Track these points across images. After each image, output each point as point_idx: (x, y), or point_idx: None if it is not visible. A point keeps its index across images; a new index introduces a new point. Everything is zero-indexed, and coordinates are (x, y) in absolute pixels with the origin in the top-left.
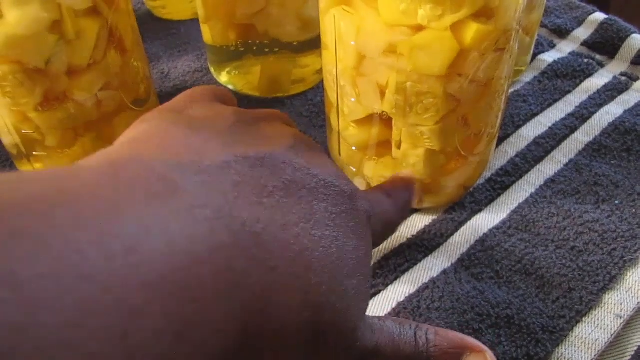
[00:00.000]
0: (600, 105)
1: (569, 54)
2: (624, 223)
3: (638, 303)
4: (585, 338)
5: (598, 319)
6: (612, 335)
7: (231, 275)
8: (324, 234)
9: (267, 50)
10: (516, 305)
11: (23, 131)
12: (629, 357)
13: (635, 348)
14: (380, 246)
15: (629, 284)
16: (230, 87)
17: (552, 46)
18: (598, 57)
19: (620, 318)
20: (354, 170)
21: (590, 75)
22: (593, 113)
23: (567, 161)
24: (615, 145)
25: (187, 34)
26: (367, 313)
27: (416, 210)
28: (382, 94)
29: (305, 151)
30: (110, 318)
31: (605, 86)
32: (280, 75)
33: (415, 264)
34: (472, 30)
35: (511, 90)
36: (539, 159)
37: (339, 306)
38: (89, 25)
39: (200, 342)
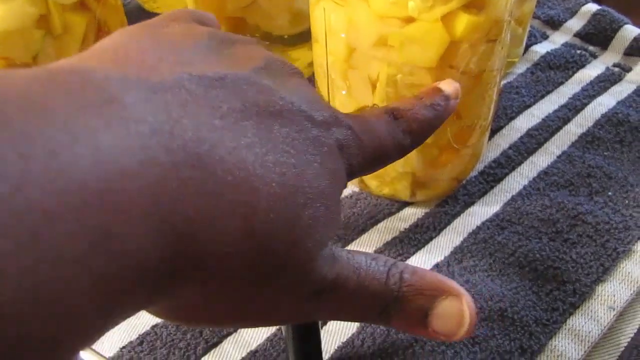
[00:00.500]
0: (593, 97)
1: (562, 45)
2: (617, 214)
3: (631, 294)
4: (579, 330)
5: (591, 311)
6: (605, 327)
7: (161, 194)
8: (280, 159)
9: None
10: (509, 298)
11: None
12: (622, 349)
13: (629, 339)
14: (373, 240)
15: (622, 276)
16: None
17: (544, 37)
18: (591, 48)
19: (614, 310)
20: None
21: (583, 66)
22: (586, 104)
23: (560, 153)
24: (608, 136)
25: None
26: None
27: (409, 204)
28: (373, 86)
29: (279, 74)
30: (19, 217)
31: (598, 77)
32: None
33: (408, 257)
34: (462, 22)
35: (504, 81)
36: (531, 151)
37: (290, 235)
38: (77, 20)
39: (120, 254)
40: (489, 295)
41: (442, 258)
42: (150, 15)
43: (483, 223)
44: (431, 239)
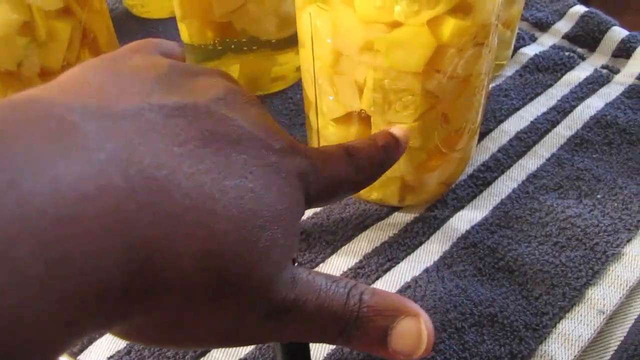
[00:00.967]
0: (582, 99)
1: (550, 47)
2: (606, 217)
3: (620, 298)
4: (569, 334)
5: (581, 315)
6: (595, 331)
7: (120, 217)
8: (238, 184)
9: (245, 48)
10: (499, 302)
11: None
12: (612, 352)
13: (618, 343)
14: (362, 246)
15: (611, 279)
16: None
17: (533, 40)
18: (579, 50)
19: (603, 313)
20: None
21: (571, 68)
22: (574, 107)
23: (549, 155)
24: (597, 138)
25: (165, 33)
26: None
27: (398, 208)
28: (360, 91)
29: (238, 104)
30: None
31: (586, 79)
32: (259, 73)
33: (397, 262)
34: (449, 26)
35: (493, 84)
36: (521, 154)
37: (247, 257)
38: (61, 27)
39: (79, 275)
40: (479, 300)
41: (432, 263)
42: (138, 19)
43: (472, 227)
44: (421, 243)
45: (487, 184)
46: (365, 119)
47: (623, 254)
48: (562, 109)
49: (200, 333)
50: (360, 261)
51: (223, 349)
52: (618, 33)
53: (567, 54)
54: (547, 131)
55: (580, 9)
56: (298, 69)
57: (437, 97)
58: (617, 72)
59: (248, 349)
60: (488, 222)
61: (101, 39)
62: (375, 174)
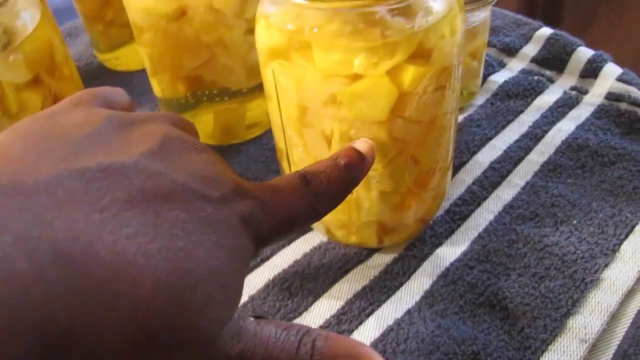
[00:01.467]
0: (553, 123)
1: (519, 72)
2: (582, 243)
3: (602, 325)
4: None
5: (563, 346)
6: None
7: (26, 301)
8: (166, 245)
9: (217, 99)
10: (481, 340)
11: None
12: None
13: None
14: (343, 291)
15: (591, 306)
16: None
17: (502, 65)
18: (547, 72)
19: (585, 342)
20: None
21: (541, 92)
22: (546, 132)
23: (524, 184)
24: (570, 163)
25: (140, 85)
26: None
27: (377, 250)
28: (328, 142)
29: (176, 153)
30: None
31: (556, 102)
32: (233, 122)
33: (379, 306)
34: (409, 74)
35: (464, 115)
36: (495, 184)
37: (181, 318)
38: (32, 97)
39: None
40: (461, 339)
41: (413, 304)
42: (113, 73)
43: (452, 264)
44: (401, 284)
45: (464, 217)
46: None
47: (602, 280)
48: (534, 135)
49: None
50: (343, 307)
51: None
52: (584, 53)
53: (536, 77)
54: (521, 159)
55: (546, 31)
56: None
57: (405, 141)
58: (585, 92)
59: None
60: (467, 257)
61: None
62: (339, 196)
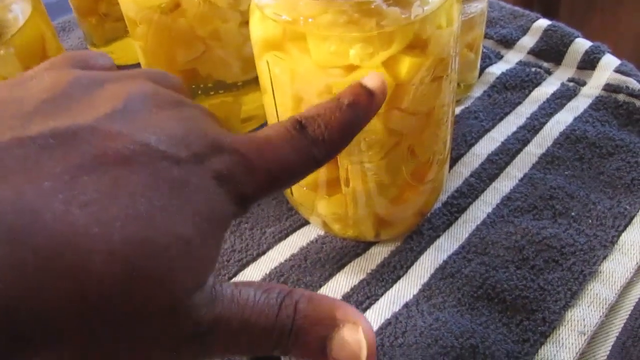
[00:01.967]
0: (551, 115)
1: (517, 63)
2: (581, 235)
3: (600, 317)
4: (551, 359)
5: (562, 338)
6: (577, 354)
7: None
8: (124, 212)
9: (212, 92)
10: (480, 333)
11: None
12: None
13: None
14: (340, 284)
15: (590, 299)
16: None
17: (499, 57)
18: (545, 64)
19: (584, 335)
20: (308, 209)
21: (538, 84)
22: (544, 123)
23: (522, 176)
24: (568, 154)
25: None
26: None
27: (374, 243)
28: None
29: (145, 111)
30: None
31: (554, 94)
32: (229, 116)
33: (377, 299)
34: (405, 65)
35: (462, 107)
36: (493, 177)
37: (138, 289)
38: None
39: None
40: (460, 332)
41: (411, 297)
42: None
43: (449, 257)
44: (399, 277)
45: (462, 210)
46: (332, 160)
47: (600, 272)
48: (532, 127)
49: None
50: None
51: None
52: (582, 45)
53: (533, 69)
54: (518, 151)
55: (543, 23)
56: None
57: (401, 133)
58: (583, 84)
59: None
60: (465, 250)
61: None
62: (342, 141)
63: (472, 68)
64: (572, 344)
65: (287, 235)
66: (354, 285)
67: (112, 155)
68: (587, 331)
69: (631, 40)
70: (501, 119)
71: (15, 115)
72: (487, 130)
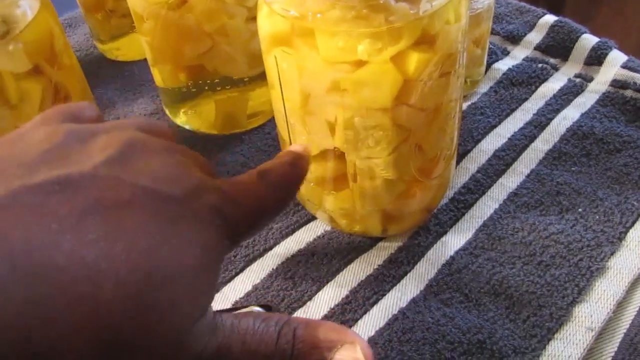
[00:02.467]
0: (557, 111)
1: (523, 59)
2: (588, 231)
3: (608, 313)
4: (558, 355)
5: (570, 334)
6: (585, 350)
7: None
8: (129, 248)
9: (219, 88)
10: (487, 328)
11: None
12: None
13: (609, 359)
14: (348, 280)
15: (597, 294)
16: (187, 127)
17: (505, 53)
18: (552, 60)
19: (592, 331)
20: (315, 205)
21: (545, 80)
22: (550, 119)
23: (529, 172)
24: (575, 150)
25: (141, 75)
26: None
27: (381, 238)
28: (332, 130)
29: (137, 157)
30: None
31: (561, 90)
32: (235, 111)
33: (384, 295)
34: (413, 60)
35: (468, 102)
36: (500, 173)
37: (148, 317)
38: (32, 87)
39: None
40: (467, 328)
41: (418, 292)
42: (113, 63)
43: (456, 252)
44: (406, 273)
45: (469, 206)
46: (340, 155)
47: (608, 268)
48: (539, 123)
49: None
50: (347, 296)
51: None
52: (589, 41)
53: (540, 65)
54: (525, 147)
55: (550, 18)
56: None
57: (409, 129)
58: (590, 80)
59: None
60: (472, 245)
61: (74, 94)
62: (289, 189)
63: (479, 64)
64: (580, 340)
65: (293, 231)
66: (361, 281)
67: (113, 199)
68: (595, 327)
69: (636, 35)
70: (508, 115)
71: (21, 165)
72: (494, 127)
